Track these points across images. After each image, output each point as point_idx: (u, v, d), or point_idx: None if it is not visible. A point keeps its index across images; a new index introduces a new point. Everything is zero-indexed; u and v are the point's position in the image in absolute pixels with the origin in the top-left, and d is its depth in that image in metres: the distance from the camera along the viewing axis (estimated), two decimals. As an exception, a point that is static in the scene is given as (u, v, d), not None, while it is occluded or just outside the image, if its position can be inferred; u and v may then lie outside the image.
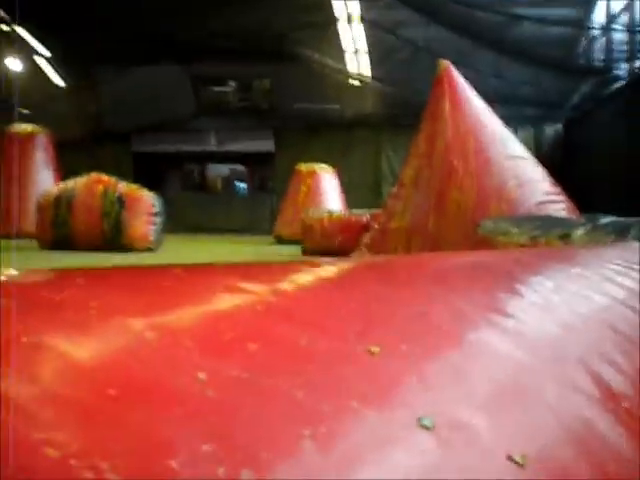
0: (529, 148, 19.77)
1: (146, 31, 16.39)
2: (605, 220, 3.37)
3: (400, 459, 0.66)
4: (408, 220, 5.86)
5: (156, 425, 0.56)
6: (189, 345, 0.69)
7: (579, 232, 3.10)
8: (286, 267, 1.14)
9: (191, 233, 19.52)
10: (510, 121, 19.68)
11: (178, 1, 13.93)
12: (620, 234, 2.99)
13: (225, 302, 0.81)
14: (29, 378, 0.59)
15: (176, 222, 19.93)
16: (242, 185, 27.20)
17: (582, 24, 15.90)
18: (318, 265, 1.14)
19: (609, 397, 0.99)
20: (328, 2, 15.56)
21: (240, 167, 26.60)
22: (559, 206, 5.81)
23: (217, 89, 20.95)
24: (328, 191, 16.06)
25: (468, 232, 5.56)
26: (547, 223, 3.50)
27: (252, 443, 0.60)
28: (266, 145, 21.19)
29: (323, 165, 16.45)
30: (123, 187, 12.62)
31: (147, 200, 12.55)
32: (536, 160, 6.18)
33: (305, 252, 12.22)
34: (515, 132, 19.74)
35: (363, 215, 12.36)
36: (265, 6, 14.80)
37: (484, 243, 3.81)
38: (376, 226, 6.21)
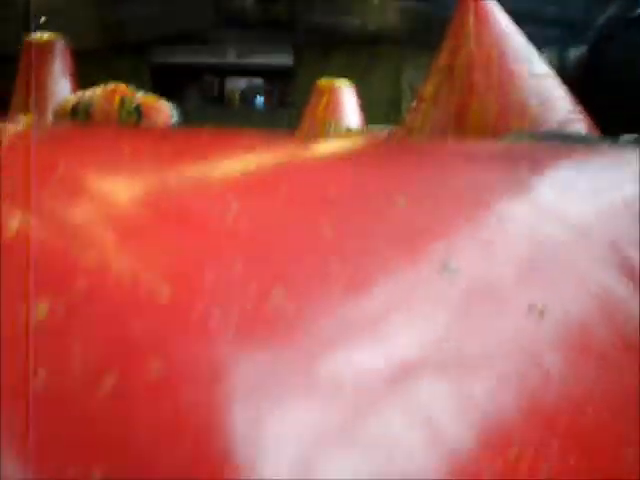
0: (553, 70, 19.46)
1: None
2: (628, 136, 3.32)
3: (425, 302, 0.68)
4: (427, 135, 5.80)
5: (189, 242, 0.59)
6: (223, 181, 0.71)
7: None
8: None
9: (208, 146, 19.46)
10: (534, 41, 19.38)
11: None
12: (642, 149, 2.95)
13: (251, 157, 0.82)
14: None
15: (193, 134, 19.82)
16: (261, 99, 26.98)
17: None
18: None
19: (637, 280, 0.99)
20: None
21: (259, 81, 26.36)
22: (579, 126, 5.74)
23: (237, 0, 20.61)
24: (347, 107, 15.88)
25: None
26: (569, 140, 3.46)
27: (283, 265, 0.62)
28: (285, 59, 20.92)
29: (343, 80, 16.24)
30: (141, 97, 12.51)
31: (165, 110, 12.41)
32: (559, 79, 6.08)
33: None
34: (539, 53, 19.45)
35: (382, 132, 12.27)
36: None
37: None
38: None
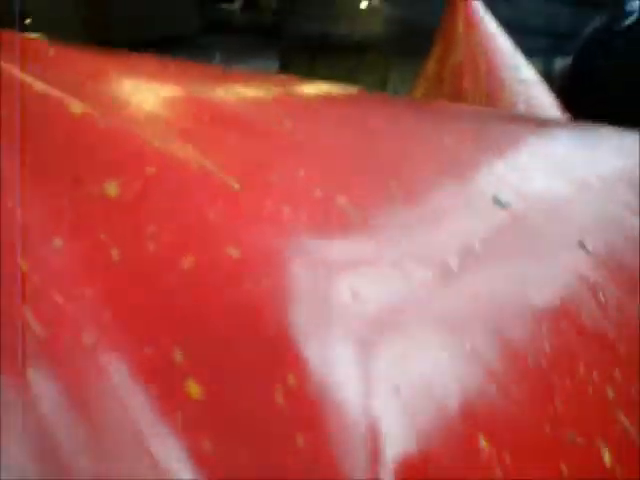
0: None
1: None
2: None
3: (476, 227, 0.71)
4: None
5: (252, 146, 0.62)
6: (273, 100, 0.74)
7: None
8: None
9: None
10: (520, 51, 19.48)
11: None
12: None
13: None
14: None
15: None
16: (245, 106, 27.08)
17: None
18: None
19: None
20: None
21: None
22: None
23: (223, 6, 20.62)
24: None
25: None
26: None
27: (344, 177, 0.65)
28: (270, 66, 20.90)
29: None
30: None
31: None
32: (547, 86, 6.09)
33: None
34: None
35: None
36: None
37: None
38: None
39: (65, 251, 0.56)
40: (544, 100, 5.89)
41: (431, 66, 6.02)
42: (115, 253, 0.57)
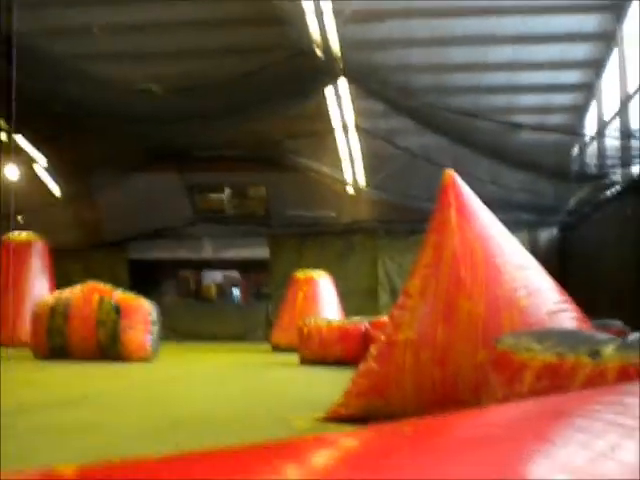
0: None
1: (142, 139, 16.56)
2: (635, 335, 3.27)
3: None
4: (416, 331, 5.74)
5: None
6: None
7: (609, 349, 2.99)
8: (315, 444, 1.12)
9: (186, 341, 19.35)
10: (505, 225, 19.82)
11: (174, 112, 14.09)
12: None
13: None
14: None
15: (171, 329, 19.79)
16: (237, 291, 27.10)
17: (576, 130, 16.12)
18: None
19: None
20: (324, 111, 15.79)
21: (235, 274, 26.58)
22: (569, 314, 5.73)
23: (213, 196, 21.06)
24: (325, 298, 15.96)
25: (479, 343, 5.44)
26: (571, 338, 3.39)
27: None
28: (261, 252, 21.18)
29: (320, 271, 16.41)
30: (119, 295, 12.52)
31: (144, 309, 12.44)
32: (542, 269, 6.12)
33: (303, 361, 12.05)
34: (510, 237, 19.85)
35: (362, 323, 12.24)
36: (262, 116, 15.00)
37: (504, 359, 3.70)
38: (382, 337, 6.07)
39: None
40: (543, 284, 5.89)
41: (427, 254, 6.03)
42: None
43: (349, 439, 1.15)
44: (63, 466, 0.84)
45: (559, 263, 18.92)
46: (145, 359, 12.02)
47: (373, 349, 6.09)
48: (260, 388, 8.53)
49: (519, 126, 13.66)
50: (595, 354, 3.02)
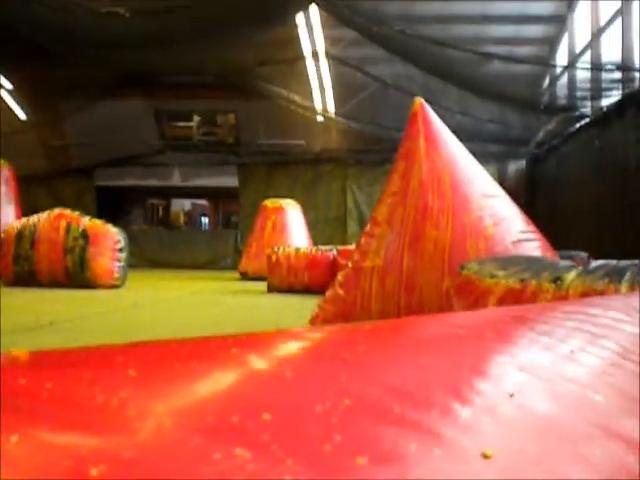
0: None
1: (109, 65, 16.27)
2: (597, 263, 3.31)
3: None
4: (382, 258, 5.77)
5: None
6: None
7: (571, 275, 3.03)
8: (277, 337, 1.14)
9: (154, 268, 19.34)
10: (474, 157, 19.86)
11: (141, 35, 13.80)
12: (613, 278, 2.92)
13: (232, 377, 0.83)
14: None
15: (139, 257, 19.74)
16: (205, 220, 27.05)
17: (547, 62, 16.06)
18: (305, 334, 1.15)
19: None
20: (295, 39, 15.58)
21: (203, 202, 26.49)
22: (534, 244, 5.78)
23: (181, 124, 20.82)
24: (294, 227, 15.96)
25: (445, 270, 5.50)
26: (535, 265, 3.42)
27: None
28: (230, 180, 21.06)
29: (289, 200, 16.37)
30: (87, 222, 12.43)
31: (112, 235, 12.37)
32: (510, 198, 6.14)
33: (271, 289, 12.11)
34: (479, 168, 19.92)
35: (330, 251, 12.30)
36: (230, 42, 14.74)
37: (468, 284, 3.74)
38: (349, 264, 6.11)
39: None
40: (509, 213, 5.93)
41: (395, 182, 6.03)
42: None
43: (312, 333, 1.17)
44: (16, 350, 0.85)
45: (527, 195, 19.05)
46: (113, 286, 12.02)
47: (340, 276, 6.13)
48: (226, 314, 8.56)
49: (489, 56, 13.55)
50: (558, 280, 3.06)
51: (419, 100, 6.22)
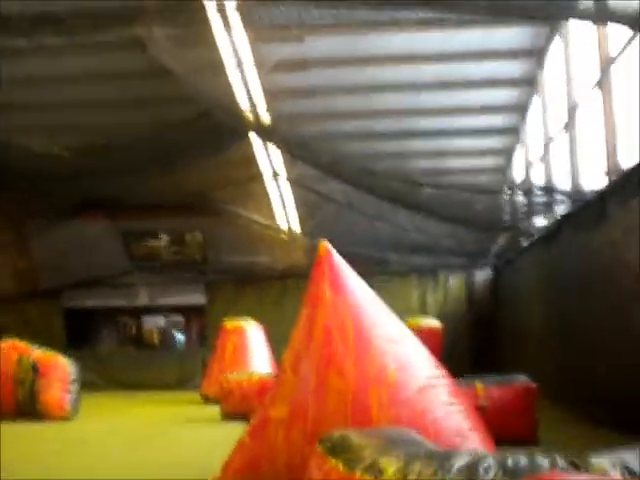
0: (462, 293, 19.86)
1: (68, 193, 16.42)
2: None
3: None
4: (288, 407, 5.65)
5: None
6: None
7: (392, 468, 2.86)
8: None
9: (122, 390, 19.01)
10: (440, 269, 19.97)
11: (107, 160, 13.94)
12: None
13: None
14: None
15: (107, 379, 19.53)
16: (182, 337, 26.69)
17: (490, 190, 16.08)
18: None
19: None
20: (252, 160, 15.73)
21: (179, 317, 26.18)
22: (441, 390, 5.69)
23: (150, 243, 20.83)
24: (255, 348, 15.80)
25: (349, 421, 5.36)
26: (388, 446, 3.20)
27: None
28: (198, 298, 21.03)
29: (249, 320, 16.24)
30: (38, 353, 12.33)
31: (62, 366, 12.26)
32: (418, 341, 6.07)
33: (225, 416, 11.88)
34: (447, 279, 19.98)
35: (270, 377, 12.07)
36: (191, 164, 14.85)
37: (320, 458, 3.62)
38: (257, 413, 5.99)
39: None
40: (415, 357, 5.86)
41: (301, 328, 5.99)
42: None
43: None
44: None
45: (491, 307, 19.10)
46: (63, 418, 11.84)
47: (248, 425, 6.02)
48: (163, 451, 8.52)
49: (450, 187, 13.57)
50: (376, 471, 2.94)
51: (324, 245, 6.24)
